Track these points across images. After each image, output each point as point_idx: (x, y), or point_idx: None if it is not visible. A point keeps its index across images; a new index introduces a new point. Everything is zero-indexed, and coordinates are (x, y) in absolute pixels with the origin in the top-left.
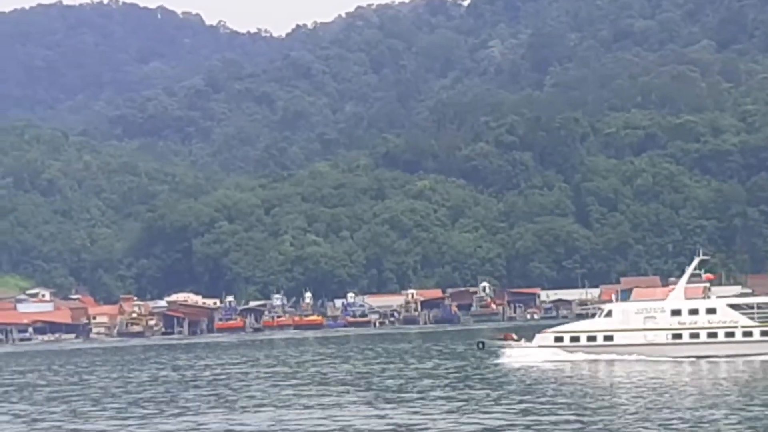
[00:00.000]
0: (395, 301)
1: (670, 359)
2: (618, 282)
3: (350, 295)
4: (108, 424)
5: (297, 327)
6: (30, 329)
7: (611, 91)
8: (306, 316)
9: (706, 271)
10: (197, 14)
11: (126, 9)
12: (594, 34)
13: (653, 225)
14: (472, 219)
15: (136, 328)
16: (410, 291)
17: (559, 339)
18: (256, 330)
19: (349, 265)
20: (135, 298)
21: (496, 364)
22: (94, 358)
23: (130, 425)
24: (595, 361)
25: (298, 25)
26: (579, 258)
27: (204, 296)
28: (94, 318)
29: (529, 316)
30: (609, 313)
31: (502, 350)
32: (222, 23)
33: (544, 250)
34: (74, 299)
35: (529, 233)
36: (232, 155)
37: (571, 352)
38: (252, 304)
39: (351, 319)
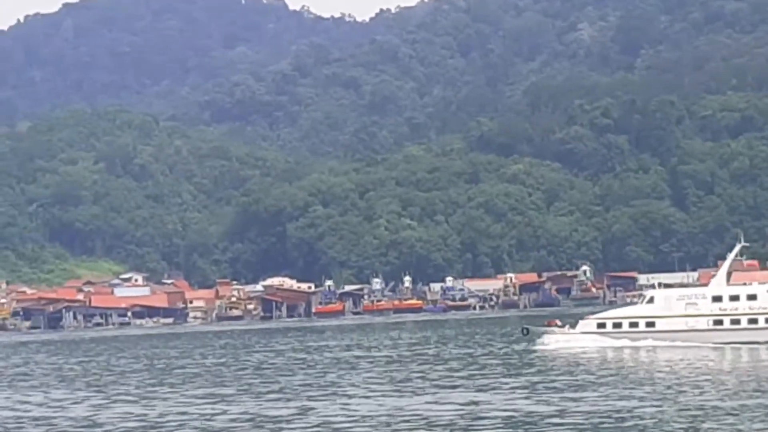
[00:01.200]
0: (493, 285)
1: (711, 345)
2: (716, 266)
3: (448, 279)
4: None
5: (396, 311)
6: (129, 313)
7: (706, 74)
8: (405, 300)
9: None
10: None
11: None
12: (684, 16)
13: (750, 208)
14: (568, 202)
15: (236, 312)
16: (508, 275)
17: (601, 325)
18: (356, 314)
19: (444, 249)
20: (234, 282)
21: (538, 350)
22: (242, 340)
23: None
24: (637, 347)
25: (381, 10)
26: (675, 241)
27: (298, 280)
28: (191, 302)
29: (629, 300)
30: (651, 300)
31: (546, 336)
32: (305, 8)
33: (641, 234)
34: (167, 284)
35: (625, 217)
36: (320, 140)
37: (614, 338)
38: (347, 288)
39: (451, 303)
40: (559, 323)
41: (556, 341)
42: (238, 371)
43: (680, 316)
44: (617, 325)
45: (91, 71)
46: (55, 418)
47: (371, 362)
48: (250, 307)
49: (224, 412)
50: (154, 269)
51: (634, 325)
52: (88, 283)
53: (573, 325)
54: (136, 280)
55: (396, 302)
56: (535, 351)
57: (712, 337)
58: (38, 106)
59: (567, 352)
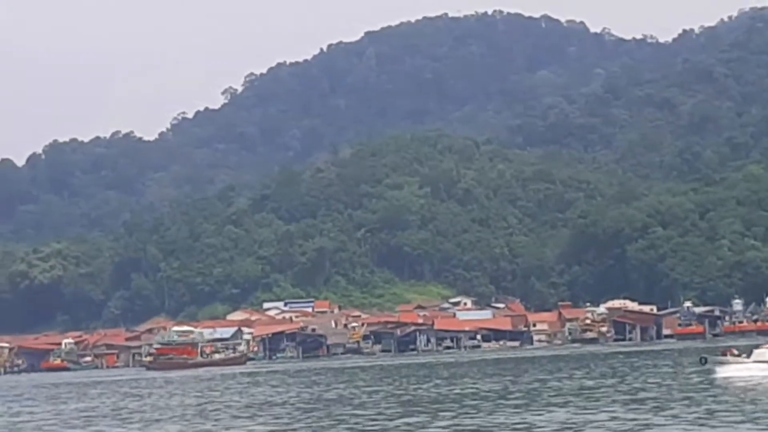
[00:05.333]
0: None
1: None
2: None
3: None
4: None
5: (760, 332)
6: (478, 336)
7: None
8: None
9: None
10: (581, 22)
11: (510, 19)
12: None
13: None
14: None
15: (590, 335)
16: None
17: None
18: (715, 336)
19: None
20: (588, 304)
21: (714, 379)
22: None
23: None
24: None
25: (685, 30)
26: None
27: (639, 303)
28: (534, 325)
29: None
30: None
31: (724, 366)
32: (606, 30)
33: None
34: (500, 307)
35: None
36: (637, 161)
37: None
38: (697, 309)
39: None
40: (735, 352)
41: (732, 371)
42: None
43: None
44: None
45: (394, 98)
46: None
47: None
48: (603, 329)
49: None
50: (483, 293)
51: None
52: (419, 307)
53: (749, 355)
54: (465, 304)
55: (759, 323)
56: (713, 380)
57: None
58: (342, 134)
59: (744, 381)
